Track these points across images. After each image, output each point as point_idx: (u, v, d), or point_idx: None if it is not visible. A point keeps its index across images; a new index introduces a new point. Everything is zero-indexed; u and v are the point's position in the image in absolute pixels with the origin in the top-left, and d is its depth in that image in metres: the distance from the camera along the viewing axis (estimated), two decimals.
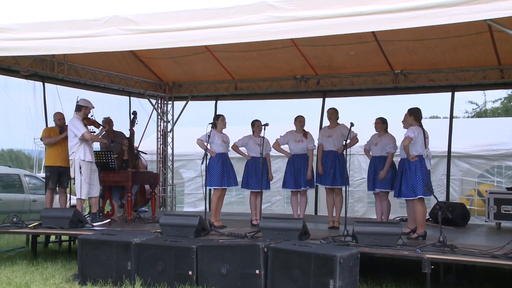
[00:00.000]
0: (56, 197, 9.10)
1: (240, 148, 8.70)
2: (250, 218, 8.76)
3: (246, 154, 8.65)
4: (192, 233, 6.77)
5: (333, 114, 8.47)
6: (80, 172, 7.94)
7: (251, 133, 8.68)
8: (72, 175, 8.15)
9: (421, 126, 7.11)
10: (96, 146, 9.21)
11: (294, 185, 8.39)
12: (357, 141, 8.23)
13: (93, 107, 8.49)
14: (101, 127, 8.61)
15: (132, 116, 9.58)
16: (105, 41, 6.35)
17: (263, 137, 8.15)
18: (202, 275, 5.91)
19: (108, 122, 9.48)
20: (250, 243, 5.96)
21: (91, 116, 8.46)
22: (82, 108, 8.30)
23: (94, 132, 8.44)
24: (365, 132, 8.40)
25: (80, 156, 8.00)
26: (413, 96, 11.15)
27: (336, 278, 5.20)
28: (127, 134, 9.55)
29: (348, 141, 7.62)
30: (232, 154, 8.64)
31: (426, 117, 7.51)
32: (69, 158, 8.13)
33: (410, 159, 6.93)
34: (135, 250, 6.20)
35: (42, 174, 12.45)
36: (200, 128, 8.47)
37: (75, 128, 8.08)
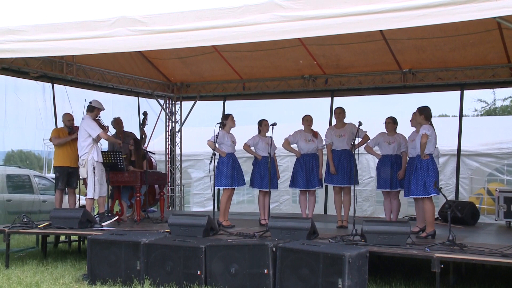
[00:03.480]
0: (66, 197, 9.15)
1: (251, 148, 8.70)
2: (259, 217, 8.76)
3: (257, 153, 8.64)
4: (200, 233, 6.78)
5: (341, 113, 8.47)
6: (94, 172, 7.98)
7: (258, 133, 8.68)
8: (84, 175, 8.16)
9: (431, 124, 7.09)
10: (104, 146, 9.24)
11: (306, 184, 8.38)
12: (368, 139, 8.24)
13: (104, 109, 8.51)
14: (105, 127, 8.62)
15: (142, 116, 9.60)
16: (113, 42, 6.37)
17: (271, 137, 8.15)
18: (210, 274, 5.93)
19: (117, 122, 9.52)
20: (259, 243, 5.95)
21: (98, 117, 8.48)
22: (95, 109, 8.34)
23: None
24: (374, 131, 8.39)
25: (93, 157, 8.04)
26: (421, 95, 11.12)
27: (345, 278, 5.20)
28: (138, 135, 9.58)
29: (359, 139, 7.61)
30: (238, 154, 8.64)
31: (435, 116, 7.49)
32: (81, 158, 8.12)
33: (422, 157, 6.90)
34: (144, 250, 6.23)
35: (51, 175, 12.52)
36: (209, 128, 8.47)
37: (91, 128, 8.09)
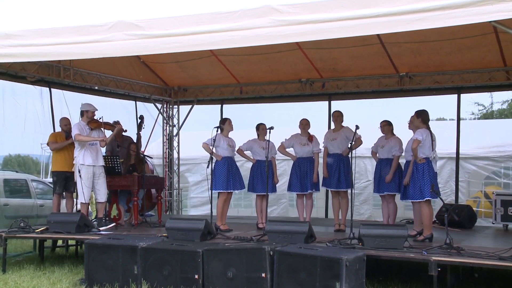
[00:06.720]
0: (63, 201, 9.13)
1: (245, 152, 8.71)
2: (256, 221, 8.77)
3: (251, 157, 8.66)
4: (198, 237, 6.78)
5: (339, 117, 8.48)
6: (80, 176, 7.95)
7: (256, 137, 8.69)
8: (75, 179, 8.18)
9: (428, 128, 7.10)
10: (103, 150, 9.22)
11: (300, 188, 8.39)
12: (361, 143, 8.22)
13: (96, 109, 8.37)
14: (115, 127, 8.56)
15: (139, 120, 9.59)
16: (110, 46, 6.37)
17: (268, 141, 8.16)
18: (208, 279, 5.92)
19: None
20: (256, 247, 5.96)
21: (100, 118, 8.36)
22: (84, 113, 8.30)
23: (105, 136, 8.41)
24: (371, 134, 8.39)
25: (79, 160, 8.02)
26: (418, 99, 11.16)
27: (343, 281, 5.20)
28: (135, 139, 9.58)
29: (353, 143, 7.61)
30: (238, 157, 8.65)
31: (432, 119, 7.49)
32: (73, 162, 8.17)
33: (418, 161, 6.92)
34: (141, 254, 6.22)
35: (49, 179, 12.50)
36: (206, 132, 8.48)
37: (72, 133, 8.13)
